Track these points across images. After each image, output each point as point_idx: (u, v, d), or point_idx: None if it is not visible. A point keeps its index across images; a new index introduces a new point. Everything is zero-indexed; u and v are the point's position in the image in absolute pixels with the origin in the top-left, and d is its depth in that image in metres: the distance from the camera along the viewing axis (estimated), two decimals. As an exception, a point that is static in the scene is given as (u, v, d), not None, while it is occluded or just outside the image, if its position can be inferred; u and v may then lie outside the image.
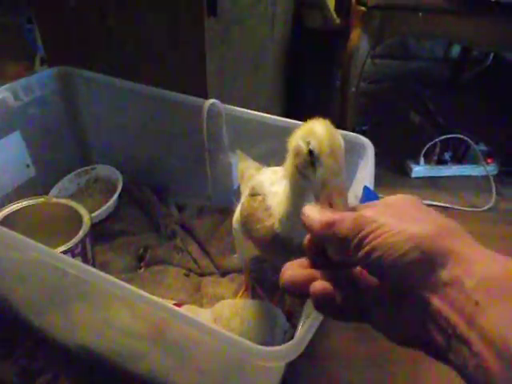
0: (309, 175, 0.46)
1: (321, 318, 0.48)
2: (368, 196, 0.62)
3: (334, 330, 0.86)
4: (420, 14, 1.00)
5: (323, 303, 0.35)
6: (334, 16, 1.30)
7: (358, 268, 0.36)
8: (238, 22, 0.98)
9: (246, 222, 0.62)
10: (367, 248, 0.31)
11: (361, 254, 0.32)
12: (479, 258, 0.30)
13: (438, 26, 1.04)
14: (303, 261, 0.39)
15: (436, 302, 0.29)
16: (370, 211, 0.34)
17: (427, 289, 0.30)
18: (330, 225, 0.35)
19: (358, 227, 0.33)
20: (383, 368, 0.80)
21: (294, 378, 0.77)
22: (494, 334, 0.26)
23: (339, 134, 0.45)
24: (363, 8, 1.04)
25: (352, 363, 0.81)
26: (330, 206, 0.40)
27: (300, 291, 0.37)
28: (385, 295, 0.34)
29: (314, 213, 0.37)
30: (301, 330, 0.48)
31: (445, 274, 0.29)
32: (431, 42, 1.72)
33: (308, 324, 0.47)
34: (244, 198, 0.68)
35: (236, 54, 1.00)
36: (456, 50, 1.72)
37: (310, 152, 0.45)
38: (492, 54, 1.69)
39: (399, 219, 0.32)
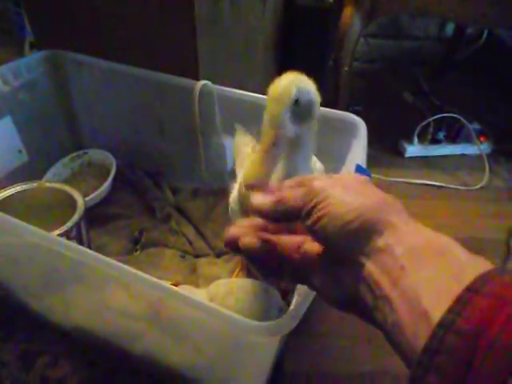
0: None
1: (312, 294, 0.49)
2: (361, 173, 0.63)
3: (325, 309, 0.87)
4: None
5: (253, 258, 0.40)
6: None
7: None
8: (228, 2, 0.97)
9: (244, 202, 0.62)
10: (315, 216, 0.35)
11: (310, 221, 0.36)
12: (410, 230, 0.34)
13: (431, 3, 1.03)
14: (254, 220, 0.42)
15: (369, 265, 0.33)
16: (319, 183, 0.37)
17: (363, 254, 0.33)
18: (281, 201, 0.38)
19: (309, 197, 0.36)
20: (386, 344, 0.82)
21: (294, 355, 0.79)
22: (411, 292, 0.30)
23: (299, 83, 0.50)
24: (355, -15, 1.02)
25: (354, 340, 0.83)
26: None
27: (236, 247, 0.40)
28: (325, 261, 0.38)
29: (262, 197, 0.40)
30: (294, 304, 0.48)
31: (380, 242, 0.33)
32: (425, 20, 1.70)
33: (301, 298, 0.48)
34: (240, 176, 0.68)
35: (228, 33, 0.99)
36: (450, 28, 1.70)
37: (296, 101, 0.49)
38: (486, 32, 1.68)
39: (345, 192, 0.35)
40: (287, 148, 0.53)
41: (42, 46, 1.05)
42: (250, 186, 0.45)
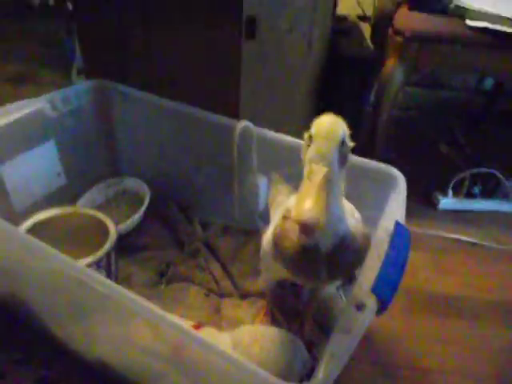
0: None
1: (345, 358, 0.47)
2: (399, 232, 0.61)
3: (353, 363, 0.84)
4: (457, 47, 1.00)
5: None
6: (369, 44, 1.30)
7: None
8: (275, 46, 0.99)
9: (278, 243, 0.62)
10: None
11: None
12: None
13: (474, 59, 1.04)
14: None
15: None
16: None
17: None
18: None
19: None
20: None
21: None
22: None
23: (342, 125, 0.52)
24: (400, 38, 1.03)
25: None
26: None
27: None
28: None
29: None
30: (324, 368, 0.47)
31: None
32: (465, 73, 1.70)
33: (333, 364, 0.46)
34: (275, 221, 0.68)
35: (271, 76, 1.01)
36: (489, 81, 1.69)
37: (310, 137, 0.51)
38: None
39: None
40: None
41: (90, 72, 1.09)
42: (306, 224, 0.45)
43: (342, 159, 0.52)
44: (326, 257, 0.56)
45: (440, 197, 1.28)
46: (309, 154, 0.50)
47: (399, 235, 0.60)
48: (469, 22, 1.01)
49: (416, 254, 1.12)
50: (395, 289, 0.55)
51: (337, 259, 0.56)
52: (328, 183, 0.48)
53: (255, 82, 0.98)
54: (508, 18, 0.99)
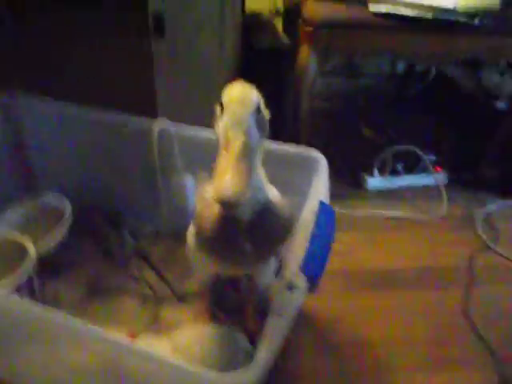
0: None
1: (281, 337, 0.47)
2: (324, 210, 0.62)
3: (300, 349, 0.85)
4: (364, 31, 1.04)
5: None
6: (283, 37, 1.32)
7: None
8: (186, 44, 0.97)
9: (197, 225, 0.60)
10: None
11: None
12: None
13: (381, 42, 1.08)
14: None
15: None
16: None
17: None
18: None
19: None
20: (346, 378, 0.80)
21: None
22: None
23: (255, 92, 0.49)
24: (310, 28, 1.06)
25: (318, 382, 0.80)
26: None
27: None
28: None
29: None
30: (260, 350, 0.46)
31: None
32: (377, 59, 1.78)
33: (267, 343, 0.45)
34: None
35: (185, 73, 0.99)
36: (401, 66, 1.79)
37: (221, 104, 0.48)
38: (434, 70, 1.78)
39: None
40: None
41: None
42: (227, 198, 0.41)
43: (260, 128, 0.49)
44: (247, 226, 0.54)
45: (367, 177, 1.33)
46: (223, 122, 0.47)
47: (323, 213, 0.61)
48: (371, 8, 1.06)
49: (351, 235, 1.16)
50: (323, 265, 0.55)
51: (259, 227, 0.54)
52: (247, 153, 0.45)
53: (170, 80, 0.95)
54: (405, 2, 1.04)
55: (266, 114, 0.52)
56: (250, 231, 0.54)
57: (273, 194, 0.60)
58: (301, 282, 0.52)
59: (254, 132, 0.47)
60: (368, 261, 1.08)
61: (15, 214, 1.00)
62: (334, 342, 0.88)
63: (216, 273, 0.73)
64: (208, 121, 1.11)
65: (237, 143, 0.44)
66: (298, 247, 0.56)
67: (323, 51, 1.08)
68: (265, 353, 0.45)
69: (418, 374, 0.83)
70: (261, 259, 0.61)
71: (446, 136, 1.58)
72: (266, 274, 0.73)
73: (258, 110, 0.48)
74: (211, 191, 0.44)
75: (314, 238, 0.56)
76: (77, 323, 0.53)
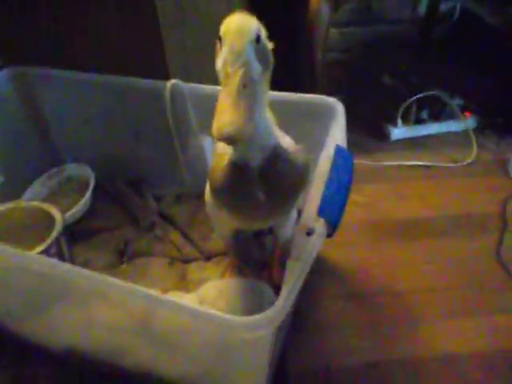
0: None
1: (300, 280, 0.46)
2: (340, 154, 0.60)
3: (326, 300, 0.85)
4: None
5: None
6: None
7: None
8: (192, 0, 0.94)
9: (211, 179, 0.59)
10: None
11: None
12: None
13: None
14: None
15: None
16: None
17: None
18: None
19: None
20: (378, 333, 0.79)
21: (297, 353, 0.76)
22: None
23: (255, 21, 0.46)
24: (320, -30, 1.01)
25: (357, 330, 0.80)
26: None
27: None
28: None
29: None
30: (280, 295, 0.46)
31: None
32: (397, 3, 1.69)
33: (287, 289, 0.45)
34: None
35: (193, 30, 0.97)
36: (423, 8, 1.69)
37: (220, 38, 0.45)
38: (459, 9, 1.67)
39: None
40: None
41: (7, 63, 1.02)
42: (227, 136, 0.39)
43: (262, 60, 0.46)
44: (258, 173, 0.52)
45: (391, 128, 1.29)
46: (221, 56, 0.44)
47: (340, 157, 0.59)
48: None
49: (375, 186, 1.13)
50: (341, 209, 0.54)
51: (271, 174, 0.53)
52: (249, 87, 0.42)
53: (179, 39, 0.93)
54: None
55: (269, 43, 0.49)
56: (261, 178, 0.53)
57: (285, 140, 0.58)
58: (318, 225, 0.51)
59: (255, 63, 0.44)
60: (394, 211, 1.06)
61: (42, 186, 1.02)
62: (362, 291, 0.87)
63: (236, 228, 0.73)
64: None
65: (236, 76, 0.42)
66: (314, 192, 0.55)
67: (335, -5, 1.03)
68: (284, 296, 0.45)
69: (453, 320, 0.81)
70: (278, 210, 0.59)
71: (475, 79, 1.50)
72: (287, 227, 0.72)
73: (258, 39, 0.45)
74: (212, 128, 0.42)
75: (330, 182, 0.55)
76: (108, 280, 0.54)
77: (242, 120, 0.40)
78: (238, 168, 0.53)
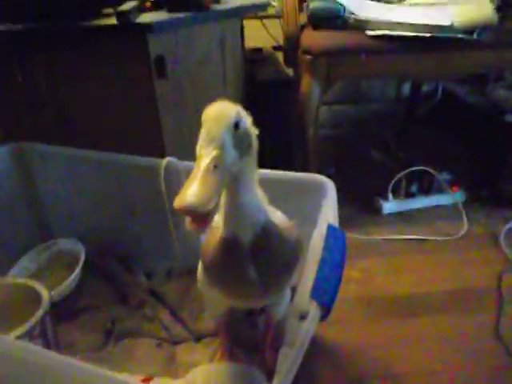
0: None
1: (293, 370, 0.44)
2: (333, 233, 0.60)
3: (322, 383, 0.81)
4: (362, 56, 1.04)
5: None
6: (285, 69, 1.35)
7: None
8: (189, 82, 1.00)
9: (202, 256, 0.59)
10: None
11: None
12: None
13: (379, 66, 1.09)
14: None
15: None
16: None
17: None
18: None
19: None
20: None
21: None
22: None
23: (236, 108, 0.48)
24: (309, 56, 1.07)
25: None
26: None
27: None
28: None
29: None
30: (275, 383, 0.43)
31: None
32: (382, 84, 1.80)
33: (280, 378, 0.43)
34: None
35: (190, 111, 1.01)
36: (406, 88, 1.80)
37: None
38: (440, 89, 1.77)
39: None
40: (230, 185, 0.50)
41: (8, 139, 1.05)
42: (185, 207, 0.39)
43: (241, 145, 0.48)
44: (250, 249, 0.53)
45: (382, 201, 1.31)
46: (199, 141, 0.46)
47: (332, 237, 0.59)
48: (368, 33, 1.07)
49: (369, 261, 1.12)
50: (335, 290, 0.53)
51: (262, 249, 0.53)
52: (219, 168, 0.43)
53: (175, 119, 0.97)
54: (401, 23, 1.05)
55: (253, 130, 0.51)
56: (252, 255, 0.53)
57: (277, 215, 0.59)
58: (312, 309, 0.50)
59: (229, 148, 0.46)
60: (389, 286, 1.04)
61: (30, 261, 1.01)
62: (360, 375, 0.83)
63: (228, 307, 0.71)
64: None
65: (207, 157, 0.44)
66: (307, 273, 0.55)
67: (324, 78, 1.09)
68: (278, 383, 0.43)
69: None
70: (271, 288, 0.59)
71: (459, 154, 1.55)
72: (281, 306, 0.70)
73: (236, 125, 0.47)
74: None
75: (323, 263, 0.54)
76: (89, 369, 0.51)
77: (205, 194, 0.41)
78: (228, 243, 0.54)
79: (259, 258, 0.54)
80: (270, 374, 0.70)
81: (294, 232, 0.59)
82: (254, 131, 0.52)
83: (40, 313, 0.76)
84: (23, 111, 1.01)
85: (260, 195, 0.56)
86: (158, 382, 0.68)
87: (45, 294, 0.80)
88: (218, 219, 0.57)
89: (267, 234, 0.53)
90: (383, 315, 0.97)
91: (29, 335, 0.73)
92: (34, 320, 0.74)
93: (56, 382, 0.56)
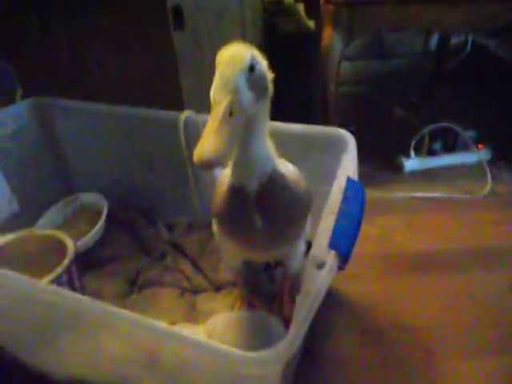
0: None
1: (310, 318, 0.45)
2: (351, 186, 0.60)
3: (339, 335, 0.83)
4: (387, 5, 1.00)
5: None
6: (306, 21, 1.30)
7: None
8: (207, 35, 0.98)
9: (212, 206, 0.60)
10: None
11: None
12: None
13: (406, 16, 1.04)
14: None
15: None
16: None
17: None
18: None
19: None
20: (390, 370, 0.76)
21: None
22: None
23: (250, 50, 0.47)
24: (331, 6, 1.03)
25: (360, 368, 0.78)
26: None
27: None
28: None
29: None
30: (290, 330, 0.45)
31: None
32: (409, 37, 1.72)
33: (297, 323, 0.44)
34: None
35: (209, 63, 0.99)
36: (434, 42, 1.72)
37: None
38: (470, 43, 1.69)
39: None
40: (243, 131, 0.48)
41: (31, 94, 1.06)
42: (206, 163, 0.39)
43: (257, 88, 0.46)
44: (255, 198, 0.53)
45: (404, 159, 1.28)
46: (213, 85, 0.44)
47: (351, 189, 0.59)
48: (395, -21, 1.01)
49: (389, 218, 1.12)
50: (353, 241, 0.53)
51: (267, 199, 0.53)
52: (236, 114, 0.42)
53: (193, 72, 0.96)
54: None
55: (268, 74, 0.49)
56: (259, 204, 0.53)
57: (286, 167, 0.58)
58: (329, 258, 0.51)
59: (246, 92, 0.44)
60: (407, 244, 1.04)
61: (56, 213, 1.04)
62: (374, 326, 0.85)
63: (243, 260, 0.72)
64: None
65: (222, 103, 0.42)
66: (325, 224, 0.55)
67: (347, 30, 1.05)
68: (293, 331, 0.44)
69: (466, 360, 0.78)
70: (278, 238, 0.59)
71: (487, 111, 1.50)
72: (295, 259, 0.71)
73: (252, 68, 0.45)
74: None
75: (341, 214, 0.54)
76: (116, 311, 0.54)
77: (223, 147, 0.40)
78: (235, 191, 0.54)
79: (264, 206, 0.54)
80: (287, 323, 0.72)
81: (302, 184, 0.58)
82: (270, 75, 0.50)
83: (66, 262, 0.79)
84: (44, 68, 1.01)
85: (269, 144, 0.55)
86: (181, 327, 0.70)
87: (70, 244, 0.83)
88: (227, 169, 0.58)
89: (273, 183, 0.53)
90: (400, 271, 0.97)
91: (57, 283, 0.76)
92: (61, 268, 0.77)
93: (87, 324, 0.60)
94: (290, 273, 0.74)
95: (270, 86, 0.50)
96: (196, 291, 0.86)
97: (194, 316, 0.81)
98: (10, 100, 1.61)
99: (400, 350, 0.80)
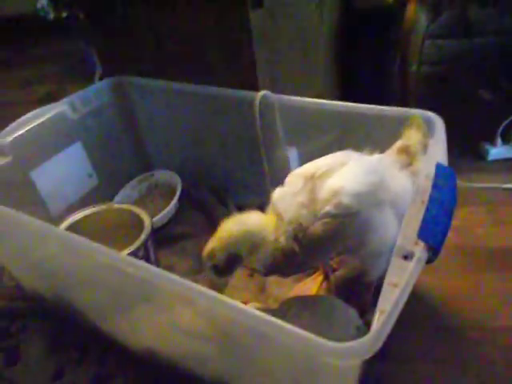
0: None
1: (396, 312, 0.43)
2: (442, 172, 0.56)
3: (411, 329, 0.79)
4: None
5: None
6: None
7: None
8: (284, 11, 0.95)
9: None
10: None
11: None
12: None
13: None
14: None
15: None
16: None
17: None
18: None
19: None
20: (467, 372, 0.72)
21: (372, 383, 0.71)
22: None
23: None
24: (418, -20, 0.96)
25: (432, 367, 0.74)
26: None
27: None
28: None
29: None
30: (377, 323, 0.42)
31: None
32: (498, 14, 1.57)
33: (385, 316, 0.42)
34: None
35: (285, 43, 0.97)
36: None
37: None
38: None
39: None
40: None
41: (109, 74, 1.09)
42: None
43: None
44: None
45: (488, 147, 1.19)
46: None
47: (441, 176, 0.54)
48: None
49: (470, 210, 1.05)
50: (445, 232, 0.49)
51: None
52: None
53: (270, 51, 0.93)
54: None
55: None
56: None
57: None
58: (419, 249, 0.47)
59: None
60: (490, 238, 0.97)
61: (132, 189, 1.08)
62: (453, 324, 0.80)
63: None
64: (310, 91, 1.08)
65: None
66: (413, 213, 0.51)
67: (433, 6, 0.97)
68: (381, 322, 0.42)
69: None
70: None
71: None
72: (379, 266, 0.67)
73: None
74: None
75: (432, 202, 0.50)
76: (195, 287, 0.54)
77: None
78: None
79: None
80: (361, 313, 0.69)
81: (319, 227, 0.60)
82: None
83: (143, 236, 0.82)
84: (123, 50, 1.03)
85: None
86: (254, 306, 0.70)
87: (147, 220, 0.85)
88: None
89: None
90: (482, 267, 0.90)
91: (134, 256, 0.79)
92: (138, 242, 0.80)
93: (164, 297, 0.61)
94: (374, 279, 0.71)
95: None
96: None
97: (263, 298, 0.81)
98: (90, 80, 1.70)
99: (478, 352, 0.75)
